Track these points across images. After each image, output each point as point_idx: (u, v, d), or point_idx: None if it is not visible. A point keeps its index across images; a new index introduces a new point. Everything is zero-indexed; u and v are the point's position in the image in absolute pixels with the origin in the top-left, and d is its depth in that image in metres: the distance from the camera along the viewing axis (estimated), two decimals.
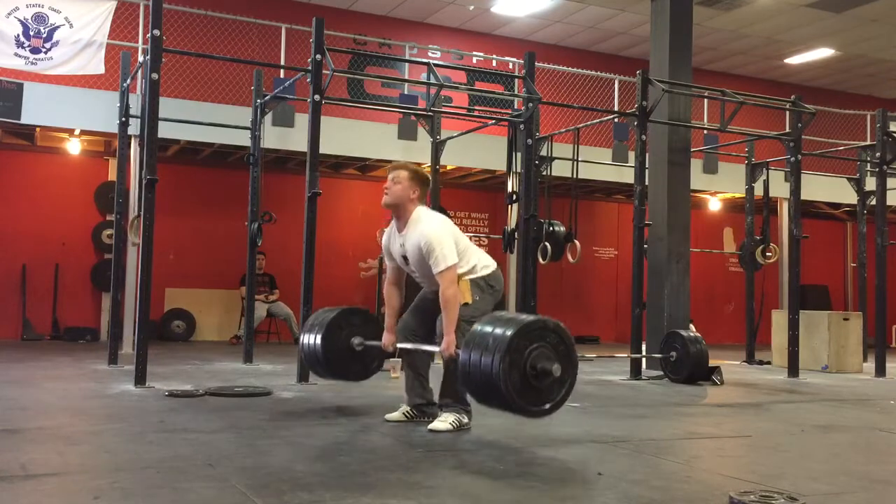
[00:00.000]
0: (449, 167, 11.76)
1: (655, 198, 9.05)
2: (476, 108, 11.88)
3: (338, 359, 4.96)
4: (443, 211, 9.26)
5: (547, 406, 3.84)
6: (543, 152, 9.54)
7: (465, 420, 4.43)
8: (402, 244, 4.50)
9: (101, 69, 9.54)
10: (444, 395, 4.46)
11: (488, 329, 3.85)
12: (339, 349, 4.94)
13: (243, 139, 8.89)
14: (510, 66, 12.84)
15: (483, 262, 4.53)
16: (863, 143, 10.92)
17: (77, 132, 10.54)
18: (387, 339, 4.74)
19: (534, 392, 3.78)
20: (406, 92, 11.46)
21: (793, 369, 8.50)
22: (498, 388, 3.70)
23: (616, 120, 11.77)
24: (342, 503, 2.89)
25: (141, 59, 8.87)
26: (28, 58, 9.23)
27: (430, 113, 8.62)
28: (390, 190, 4.45)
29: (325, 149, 7.34)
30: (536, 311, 7.80)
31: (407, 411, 4.69)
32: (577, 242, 9.02)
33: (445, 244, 4.31)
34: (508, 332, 3.73)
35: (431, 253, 4.30)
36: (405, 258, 4.52)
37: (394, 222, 4.57)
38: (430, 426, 4.36)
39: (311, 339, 4.96)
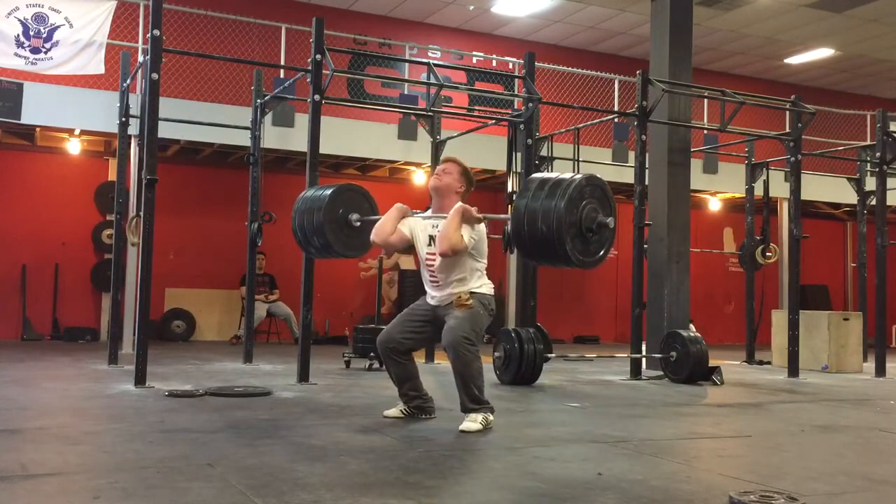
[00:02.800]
0: None
1: (655, 198, 9.05)
2: (476, 108, 11.88)
3: (338, 236, 5.11)
4: None
5: (601, 253, 4.13)
6: (543, 152, 9.54)
7: (491, 418, 4.48)
8: (435, 226, 4.64)
9: (101, 69, 9.54)
10: (466, 409, 4.47)
11: (537, 203, 4.02)
12: (339, 227, 5.10)
13: (243, 139, 8.89)
14: (510, 66, 12.84)
15: (489, 282, 4.65)
16: (863, 143, 10.93)
17: (77, 132, 10.53)
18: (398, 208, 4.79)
19: (594, 244, 4.07)
20: (406, 92, 11.46)
21: (793, 369, 8.50)
22: (567, 258, 3.97)
23: (616, 120, 11.77)
24: (342, 503, 2.89)
25: (141, 59, 8.87)
26: (28, 58, 9.22)
27: (430, 113, 8.62)
28: (441, 178, 4.69)
29: (325, 149, 7.34)
30: (536, 312, 7.84)
31: (404, 409, 4.77)
32: None
33: (472, 233, 4.49)
34: (561, 205, 3.91)
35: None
36: (432, 238, 4.62)
37: (432, 207, 4.76)
38: (461, 427, 4.36)
39: (311, 218, 5.07)
